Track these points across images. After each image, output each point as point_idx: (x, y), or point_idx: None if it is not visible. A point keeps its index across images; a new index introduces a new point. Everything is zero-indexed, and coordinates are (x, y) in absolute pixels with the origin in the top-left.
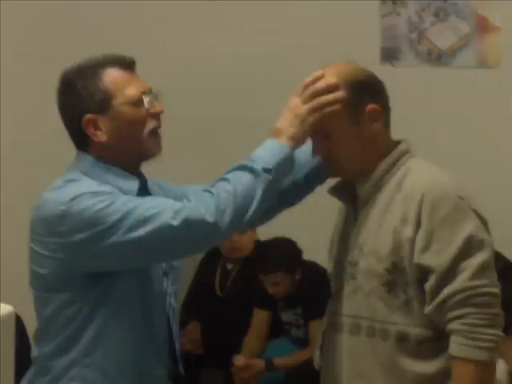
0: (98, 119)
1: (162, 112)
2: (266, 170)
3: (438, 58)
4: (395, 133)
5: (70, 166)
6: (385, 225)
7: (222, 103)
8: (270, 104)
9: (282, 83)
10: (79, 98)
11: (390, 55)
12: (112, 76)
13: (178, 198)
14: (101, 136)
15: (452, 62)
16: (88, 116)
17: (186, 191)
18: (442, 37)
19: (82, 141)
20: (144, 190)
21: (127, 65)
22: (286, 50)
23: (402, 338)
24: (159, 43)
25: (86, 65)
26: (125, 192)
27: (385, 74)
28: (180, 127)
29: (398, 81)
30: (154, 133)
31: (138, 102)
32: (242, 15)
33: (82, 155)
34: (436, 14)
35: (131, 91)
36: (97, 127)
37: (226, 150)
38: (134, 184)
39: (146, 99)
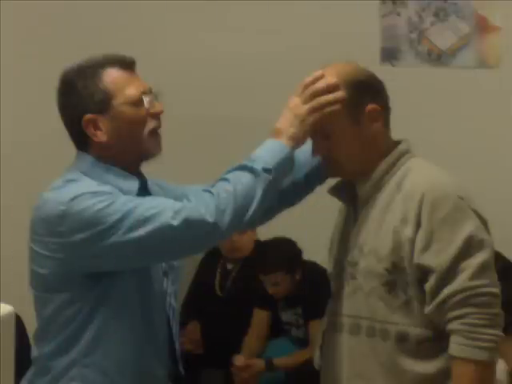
0: (97, 119)
1: (161, 112)
2: (266, 170)
3: (437, 58)
4: (395, 133)
5: (69, 166)
6: (385, 225)
7: (221, 103)
8: (270, 104)
9: (281, 83)
10: (79, 98)
11: (390, 55)
12: (112, 76)
13: (177, 198)
14: (101, 136)
15: (452, 62)
16: (88, 116)
17: (186, 191)
18: (442, 37)
19: (81, 141)
20: (144, 190)
21: (127, 65)
22: (285, 50)
23: (401, 338)
24: (159, 43)
25: (85, 65)
26: (125, 192)
27: (385, 73)
28: (180, 127)
29: (398, 81)
30: (154, 133)
31: (137, 102)
32: (242, 15)
33: (81, 155)
34: (436, 14)
35: (131, 91)
36: (97, 127)
37: (226, 150)
38: (133, 184)
39: (145, 99)
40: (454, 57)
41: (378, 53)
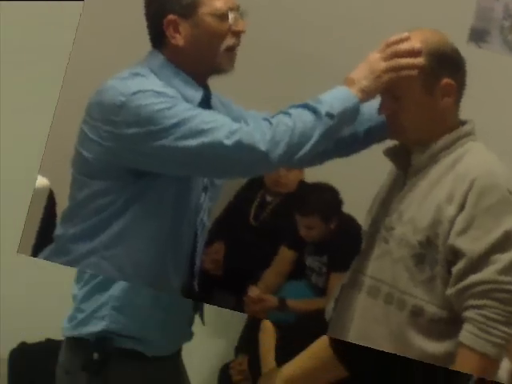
0: (179, 22)
1: (243, 31)
2: (328, 115)
3: None
4: (470, 115)
5: (140, 60)
6: (430, 198)
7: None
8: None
9: None
10: None
11: (478, 36)
12: None
13: (237, 120)
14: (178, 39)
15: None
16: (171, 16)
17: (246, 116)
18: None
19: (158, 39)
20: (206, 104)
21: None
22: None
23: (416, 313)
24: None
25: None
26: (188, 100)
27: (468, 53)
28: None
29: (480, 62)
30: (231, 50)
31: (222, 16)
32: None
33: (154, 53)
34: None
35: (219, 3)
36: (176, 30)
37: None
38: (198, 94)
39: (231, 15)
40: None
41: (467, 31)
